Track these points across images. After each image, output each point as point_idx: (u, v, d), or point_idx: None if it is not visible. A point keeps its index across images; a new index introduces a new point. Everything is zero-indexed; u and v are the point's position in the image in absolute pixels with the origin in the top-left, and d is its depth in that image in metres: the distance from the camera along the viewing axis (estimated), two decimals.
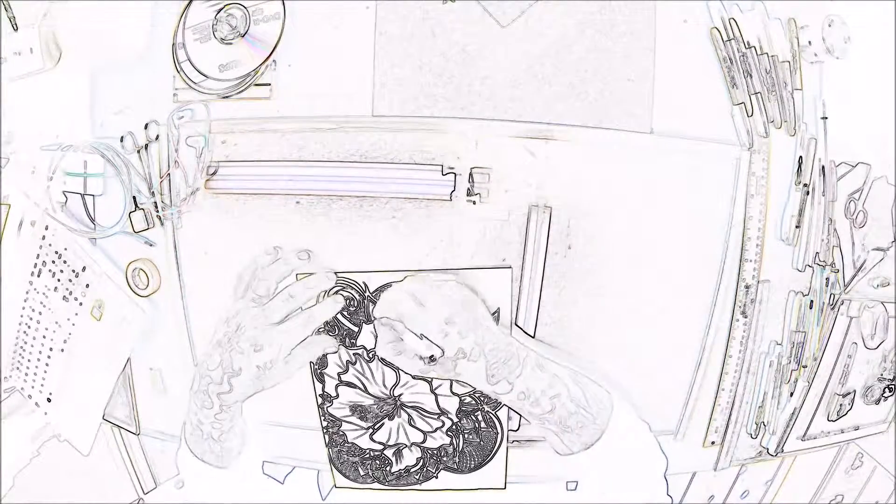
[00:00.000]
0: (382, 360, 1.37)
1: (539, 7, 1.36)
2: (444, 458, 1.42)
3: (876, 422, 1.59)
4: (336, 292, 1.37)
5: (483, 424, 1.40)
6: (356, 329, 1.38)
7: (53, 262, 1.50)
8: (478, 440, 1.41)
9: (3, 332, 1.56)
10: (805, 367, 1.49)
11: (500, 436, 1.41)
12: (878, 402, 1.58)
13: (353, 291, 1.37)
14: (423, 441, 1.41)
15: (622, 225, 1.38)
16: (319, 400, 1.40)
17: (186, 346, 1.44)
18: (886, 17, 1.49)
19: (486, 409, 1.39)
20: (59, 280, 1.50)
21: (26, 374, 1.56)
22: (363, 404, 1.40)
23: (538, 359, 1.37)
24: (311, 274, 1.37)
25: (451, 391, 1.38)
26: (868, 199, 1.49)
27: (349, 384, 1.39)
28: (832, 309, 1.49)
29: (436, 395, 1.39)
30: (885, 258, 1.51)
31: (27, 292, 1.54)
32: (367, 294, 1.36)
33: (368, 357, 1.38)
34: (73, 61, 1.48)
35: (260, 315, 1.37)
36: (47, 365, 1.54)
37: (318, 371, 1.39)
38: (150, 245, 1.44)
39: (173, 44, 1.41)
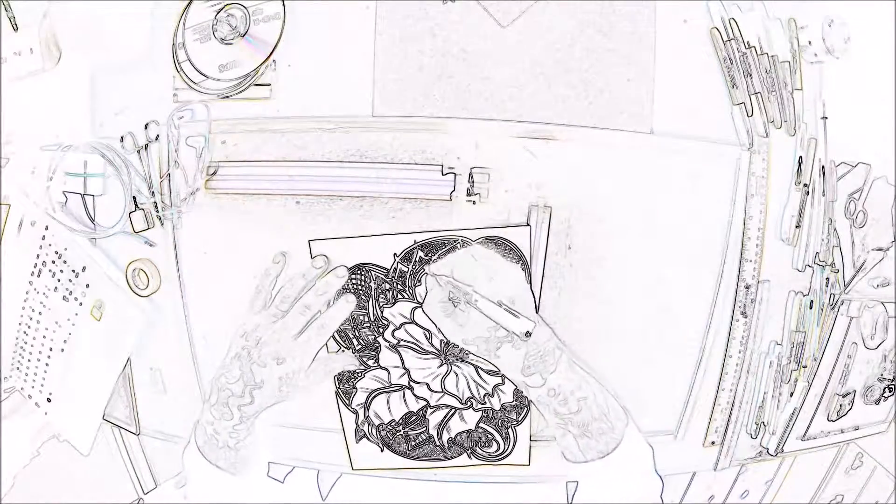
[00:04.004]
0: (414, 322, 1.37)
1: (539, 7, 1.36)
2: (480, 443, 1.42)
3: (876, 422, 1.59)
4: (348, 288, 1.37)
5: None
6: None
7: (53, 262, 1.50)
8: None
9: (3, 332, 1.56)
10: (805, 367, 1.49)
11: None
12: (878, 402, 1.58)
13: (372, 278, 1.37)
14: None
15: (622, 225, 1.38)
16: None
17: (186, 346, 1.44)
18: (886, 17, 1.49)
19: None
20: (59, 280, 1.50)
21: (26, 374, 1.56)
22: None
23: (571, 358, 1.38)
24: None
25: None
26: (868, 199, 1.49)
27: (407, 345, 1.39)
28: (832, 309, 1.49)
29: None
30: (885, 258, 1.51)
31: (27, 292, 1.54)
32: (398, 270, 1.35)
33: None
34: (73, 61, 1.48)
35: (281, 329, 1.38)
36: (47, 365, 1.54)
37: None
38: (150, 245, 1.44)
39: (173, 44, 1.41)
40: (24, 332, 1.55)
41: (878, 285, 1.52)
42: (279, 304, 1.38)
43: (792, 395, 1.50)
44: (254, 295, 1.39)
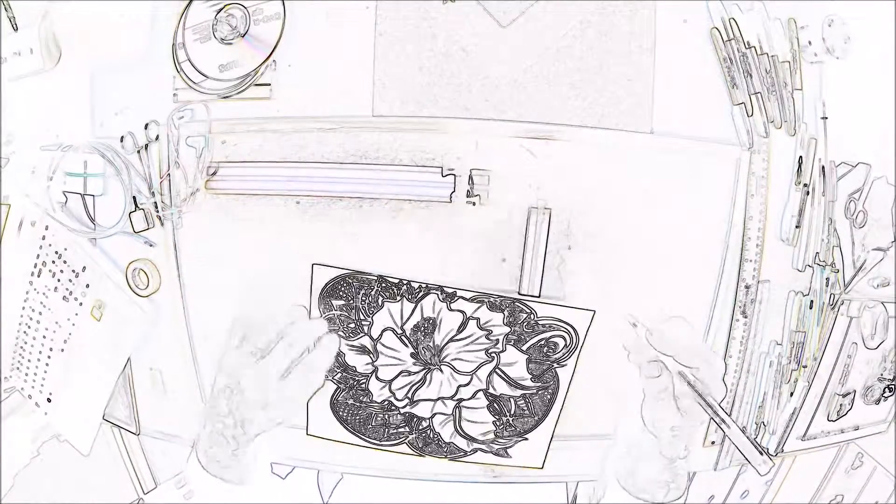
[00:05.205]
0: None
1: (539, 7, 1.36)
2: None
3: (876, 422, 1.59)
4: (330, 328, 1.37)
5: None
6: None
7: (53, 262, 1.50)
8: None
9: (3, 332, 1.56)
10: (805, 367, 1.49)
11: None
12: (878, 402, 1.58)
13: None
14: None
15: (622, 225, 1.38)
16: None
17: (186, 347, 1.44)
18: (886, 17, 1.48)
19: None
20: (59, 280, 1.50)
21: (26, 374, 1.56)
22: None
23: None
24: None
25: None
26: (868, 199, 1.49)
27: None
28: (832, 309, 1.49)
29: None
30: (885, 258, 1.51)
31: (27, 292, 1.54)
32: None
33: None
34: (73, 61, 1.48)
35: (262, 371, 1.37)
36: (47, 365, 1.54)
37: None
38: (150, 245, 1.44)
39: (173, 44, 1.41)
40: (24, 332, 1.55)
41: (878, 285, 1.52)
42: (256, 342, 1.37)
43: (792, 395, 1.50)
44: (231, 327, 1.38)
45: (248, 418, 1.39)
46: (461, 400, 1.40)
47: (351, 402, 1.41)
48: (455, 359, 1.38)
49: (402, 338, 1.38)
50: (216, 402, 1.40)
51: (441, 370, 1.39)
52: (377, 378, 1.40)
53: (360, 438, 1.42)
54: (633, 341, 1.37)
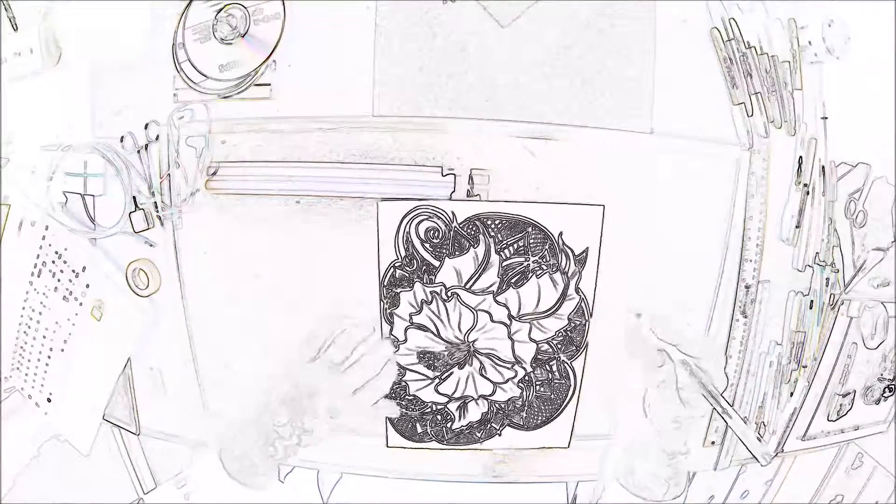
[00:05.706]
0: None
1: (539, 7, 1.36)
2: (512, 413, 1.39)
3: (876, 422, 1.59)
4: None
5: (557, 375, 1.39)
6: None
7: (53, 262, 1.50)
8: (549, 392, 1.39)
9: (3, 332, 1.56)
10: (805, 367, 1.49)
11: (572, 388, 1.39)
12: (878, 402, 1.58)
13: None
14: (492, 393, 1.38)
15: (622, 225, 1.38)
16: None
17: (186, 346, 1.44)
18: (886, 17, 1.48)
19: (562, 357, 1.37)
20: (59, 280, 1.50)
21: (26, 374, 1.56)
22: (433, 350, 1.37)
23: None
24: None
25: (529, 337, 1.37)
26: (868, 199, 1.49)
27: (421, 326, 1.36)
28: (832, 309, 1.49)
29: (512, 342, 1.36)
30: (885, 258, 1.51)
31: (27, 292, 1.54)
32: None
33: (446, 296, 1.35)
34: (73, 61, 1.48)
35: (338, 385, 1.39)
36: (47, 365, 1.54)
37: (389, 312, 1.36)
38: (150, 245, 1.44)
39: (173, 44, 1.41)
40: (24, 332, 1.55)
41: (878, 285, 1.52)
42: (333, 356, 1.38)
43: (792, 395, 1.50)
44: (305, 341, 1.39)
45: (308, 428, 1.40)
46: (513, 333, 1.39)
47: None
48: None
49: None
50: (276, 413, 1.40)
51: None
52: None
53: None
54: (636, 332, 1.37)
